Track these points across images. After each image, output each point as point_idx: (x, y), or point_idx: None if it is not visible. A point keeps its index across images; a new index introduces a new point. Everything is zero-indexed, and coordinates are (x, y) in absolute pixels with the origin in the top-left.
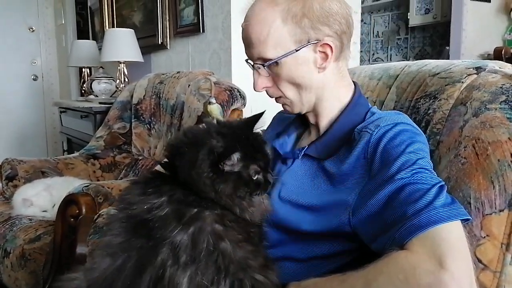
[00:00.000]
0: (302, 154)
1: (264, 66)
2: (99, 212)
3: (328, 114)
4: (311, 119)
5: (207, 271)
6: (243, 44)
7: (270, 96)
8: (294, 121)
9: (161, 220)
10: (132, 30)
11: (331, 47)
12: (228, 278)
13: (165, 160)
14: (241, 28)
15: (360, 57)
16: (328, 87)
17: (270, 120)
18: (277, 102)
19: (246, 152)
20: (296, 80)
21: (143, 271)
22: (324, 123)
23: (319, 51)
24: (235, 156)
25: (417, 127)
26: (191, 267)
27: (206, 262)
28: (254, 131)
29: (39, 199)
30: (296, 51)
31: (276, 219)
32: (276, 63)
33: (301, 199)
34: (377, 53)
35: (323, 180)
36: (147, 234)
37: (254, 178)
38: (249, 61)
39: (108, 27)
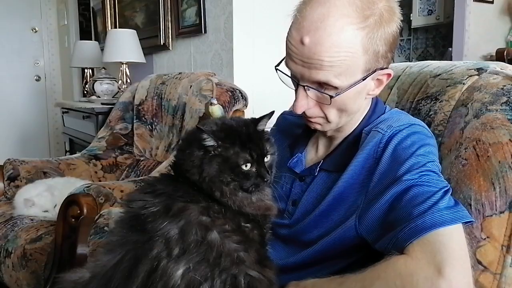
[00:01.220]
0: (318, 169)
1: (321, 92)
2: (100, 213)
3: (349, 129)
4: (329, 133)
5: (200, 266)
6: (281, 51)
7: (306, 116)
8: (302, 134)
9: (152, 215)
10: (134, 31)
11: (389, 76)
12: (222, 273)
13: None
14: (292, 38)
15: None
16: (362, 108)
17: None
18: (308, 120)
19: (238, 139)
20: (347, 107)
21: (139, 263)
22: (341, 136)
23: (377, 78)
24: (221, 134)
25: (428, 129)
26: (183, 259)
27: (196, 254)
28: (259, 127)
29: (41, 199)
30: (363, 80)
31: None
32: (336, 88)
33: (318, 209)
34: None
35: (340, 191)
36: (141, 229)
37: (244, 168)
38: (291, 75)
39: (111, 28)
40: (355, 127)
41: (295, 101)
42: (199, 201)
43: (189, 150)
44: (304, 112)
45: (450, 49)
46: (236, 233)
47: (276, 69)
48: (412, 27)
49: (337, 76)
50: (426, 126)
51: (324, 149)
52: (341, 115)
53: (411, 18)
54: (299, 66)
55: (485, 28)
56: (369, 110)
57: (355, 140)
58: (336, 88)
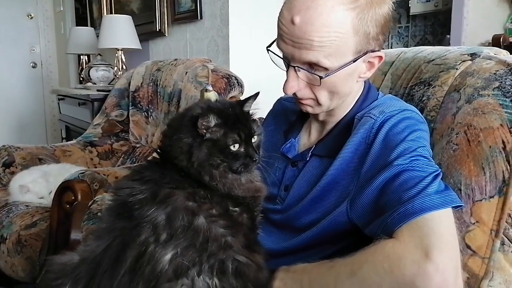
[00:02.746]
0: (309, 154)
1: (311, 73)
2: (94, 199)
3: (341, 114)
4: (321, 117)
5: (187, 251)
6: (276, 35)
7: (297, 98)
8: (297, 120)
9: (139, 202)
10: (129, 17)
11: (380, 58)
12: (210, 258)
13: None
14: (283, 18)
15: None
16: (353, 92)
17: (266, 108)
18: (299, 102)
19: (226, 120)
20: (338, 89)
21: (127, 248)
22: (334, 121)
23: (368, 61)
24: (211, 117)
25: (420, 114)
26: (171, 244)
27: (184, 239)
28: (244, 109)
29: (36, 185)
30: (353, 61)
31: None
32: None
33: (310, 195)
34: None
35: (332, 176)
36: (129, 216)
37: (233, 149)
38: (282, 56)
39: (106, 14)
40: (347, 111)
41: (285, 81)
42: (185, 187)
43: (176, 136)
44: (295, 94)
45: (448, 36)
46: (223, 218)
47: (268, 50)
48: (410, 14)
49: (327, 56)
50: (418, 112)
51: (316, 134)
52: (332, 98)
53: (409, 5)
54: (290, 47)
55: (484, 15)
56: (361, 95)
57: (347, 125)
58: (326, 69)
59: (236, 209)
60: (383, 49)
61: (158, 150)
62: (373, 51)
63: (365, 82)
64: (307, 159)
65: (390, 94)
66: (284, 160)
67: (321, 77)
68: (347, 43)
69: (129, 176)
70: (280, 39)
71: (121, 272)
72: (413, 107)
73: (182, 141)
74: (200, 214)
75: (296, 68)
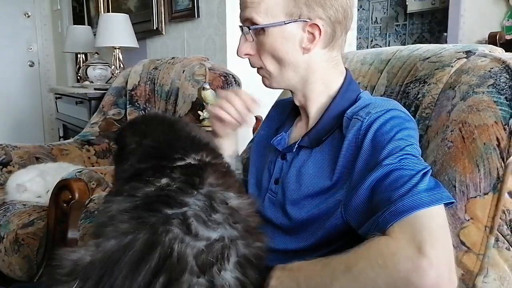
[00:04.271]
0: (296, 147)
1: (249, 29)
2: (91, 197)
3: (316, 98)
4: (299, 99)
5: (214, 246)
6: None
7: (251, 66)
8: (288, 116)
9: (177, 191)
10: (126, 15)
11: (320, 30)
12: (234, 253)
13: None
14: None
15: (359, 44)
16: (316, 71)
17: (264, 106)
18: (258, 73)
19: None
20: (279, 54)
21: (153, 248)
22: (313, 110)
23: (307, 31)
24: None
25: (407, 112)
26: (201, 239)
27: (218, 221)
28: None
29: (33, 184)
30: (285, 23)
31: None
32: (264, 30)
33: (302, 192)
34: (376, 40)
35: (317, 169)
36: (161, 208)
37: None
38: (240, 24)
39: (103, 12)
40: (329, 102)
41: (238, 45)
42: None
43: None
44: (250, 63)
45: (445, 34)
46: (243, 193)
47: (240, 27)
48: (408, 12)
49: (259, 13)
50: (405, 110)
51: (304, 127)
52: (281, 67)
53: (407, 3)
54: (240, 13)
55: (481, 13)
56: (342, 86)
57: (334, 119)
58: (258, 25)
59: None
60: (380, 46)
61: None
62: (309, 19)
63: (346, 74)
64: (293, 150)
65: (366, 91)
66: (275, 153)
67: (249, 28)
68: (274, 1)
69: (130, 179)
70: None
71: (141, 274)
72: (399, 104)
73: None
74: (230, 190)
75: (242, 28)
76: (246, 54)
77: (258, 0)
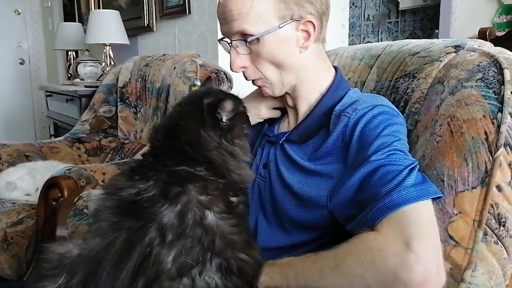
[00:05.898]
0: (283, 139)
1: (246, 42)
2: (80, 195)
3: (307, 97)
4: (289, 102)
5: (192, 250)
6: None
7: (247, 79)
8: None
9: (149, 200)
10: (117, 12)
11: (314, 25)
12: (215, 258)
13: (149, 146)
14: (217, 4)
15: (351, 41)
16: (309, 68)
17: None
18: (254, 84)
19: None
20: (278, 59)
21: (131, 249)
22: (303, 107)
23: (301, 29)
24: (229, 103)
25: (395, 108)
26: (177, 245)
27: (192, 239)
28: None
29: (23, 182)
30: (279, 27)
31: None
32: (258, 39)
33: (290, 185)
34: (368, 37)
35: (305, 165)
36: (136, 215)
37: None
38: (225, 39)
39: (94, 9)
40: (319, 98)
41: (230, 61)
42: (197, 181)
43: (187, 127)
44: (245, 76)
45: (437, 31)
46: (231, 215)
47: (219, 41)
48: (400, 9)
49: (250, 23)
50: (392, 105)
51: (293, 122)
52: (281, 72)
53: (399, 0)
54: (224, 26)
55: (472, 10)
56: (333, 82)
57: (323, 115)
58: (253, 36)
59: (235, 199)
60: (377, 41)
61: (151, 145)
62: (301, 17)
63: (336, 70)
64: (280, 142)
65: (356, 88)
66: (264, 140)
67: (246, 41)
68: (264, 7)
69: (126, 174)
70: (220, 24)
71: (123, 272)
72: (386, 100)
73: (199, 132)
74: (211, 209)
75: (232, 43)
76: (242, 68)
77: (246, 11)
